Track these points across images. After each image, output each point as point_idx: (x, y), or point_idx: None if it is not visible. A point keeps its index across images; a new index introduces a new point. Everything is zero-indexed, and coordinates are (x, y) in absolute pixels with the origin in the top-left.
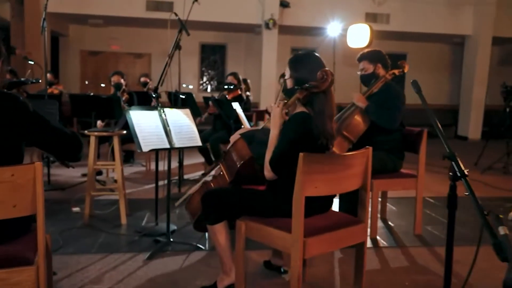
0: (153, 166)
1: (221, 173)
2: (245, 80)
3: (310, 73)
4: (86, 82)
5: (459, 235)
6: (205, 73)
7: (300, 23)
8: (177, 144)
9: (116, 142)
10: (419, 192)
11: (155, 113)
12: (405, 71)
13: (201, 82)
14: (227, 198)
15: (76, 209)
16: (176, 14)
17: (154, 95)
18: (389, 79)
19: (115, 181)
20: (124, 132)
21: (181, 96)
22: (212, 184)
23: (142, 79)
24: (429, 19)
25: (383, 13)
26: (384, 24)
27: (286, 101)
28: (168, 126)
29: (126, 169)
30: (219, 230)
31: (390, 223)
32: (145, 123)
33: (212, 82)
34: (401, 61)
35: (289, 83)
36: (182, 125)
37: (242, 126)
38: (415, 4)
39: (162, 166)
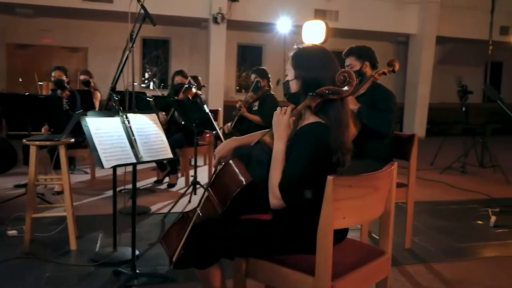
0: (98, 174)
1: (209, 201)
2: (195, 78)
3: (323, 74)
4: (20, 80)
5: (452, 247)
6: (147, 70)
7: (248, 18)
8: (145, 157)
9: (63, 153)
10: (409, 203)
11: (116, 120)
12: (396, 70)
13: (142, 78)
14: (221, 233)
15: (12, 232)
16: (139, 1)
17: (116, 97)
18: (377, 79)
19: (57, 193)
20: (72, 140)
21: (148, 98)
22: (199, 214)
23: (82, 77)
24: (376, 17)
25: (332, 10)
26: (333, 21)
27: (293, 107)
28: (133, 135)
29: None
30: (213, 274)
31: (374, 235)
32: (106, 133)
33: (154, 79)
34: (391, 59)
35: (294, 86)
36: (149, 133)
37: (214, 132)
38: (363, 1)
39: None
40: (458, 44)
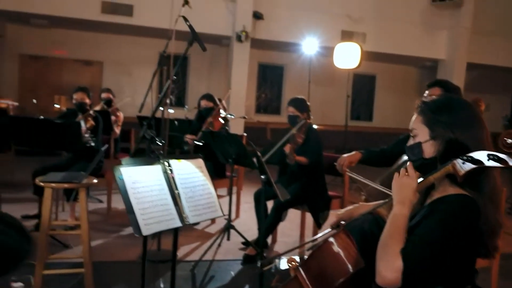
0: (115, 203)
1: (297, 284)
2: (219, 101)
3: (474, 133)
4: (35, 101)
5: None
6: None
7: (272, 37)
8: (191, 217)
9: (83, 196)
10: None
11: (157, 169)
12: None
13: (159, 96)
14: None
15: (18, 285)
16: (185, 19)
17: (153, 135)
18: None
19: (70, 228)
20: (95, 181)
21: (196, 143)
22: None
23: (104, 95)
24: (404, 41)
25: (359, 31)
26: (360, 43)
27: (424, 175)
28: (177, 188)
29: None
30: None
31: None
32: (145, 187)
33: (171, 97)
34: (476, 98)
35: (430, 150)
36: (195, 185)
37: (264, 177)
38: (391, 24)
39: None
40: (484, 71)
